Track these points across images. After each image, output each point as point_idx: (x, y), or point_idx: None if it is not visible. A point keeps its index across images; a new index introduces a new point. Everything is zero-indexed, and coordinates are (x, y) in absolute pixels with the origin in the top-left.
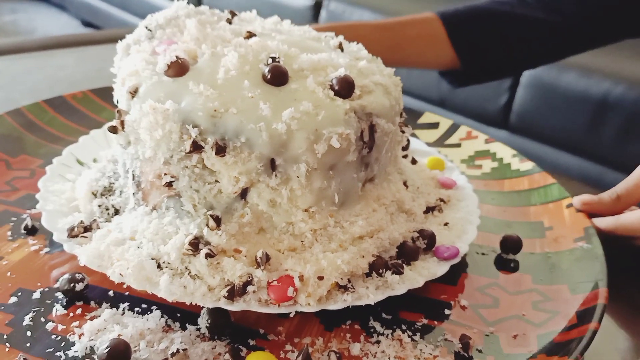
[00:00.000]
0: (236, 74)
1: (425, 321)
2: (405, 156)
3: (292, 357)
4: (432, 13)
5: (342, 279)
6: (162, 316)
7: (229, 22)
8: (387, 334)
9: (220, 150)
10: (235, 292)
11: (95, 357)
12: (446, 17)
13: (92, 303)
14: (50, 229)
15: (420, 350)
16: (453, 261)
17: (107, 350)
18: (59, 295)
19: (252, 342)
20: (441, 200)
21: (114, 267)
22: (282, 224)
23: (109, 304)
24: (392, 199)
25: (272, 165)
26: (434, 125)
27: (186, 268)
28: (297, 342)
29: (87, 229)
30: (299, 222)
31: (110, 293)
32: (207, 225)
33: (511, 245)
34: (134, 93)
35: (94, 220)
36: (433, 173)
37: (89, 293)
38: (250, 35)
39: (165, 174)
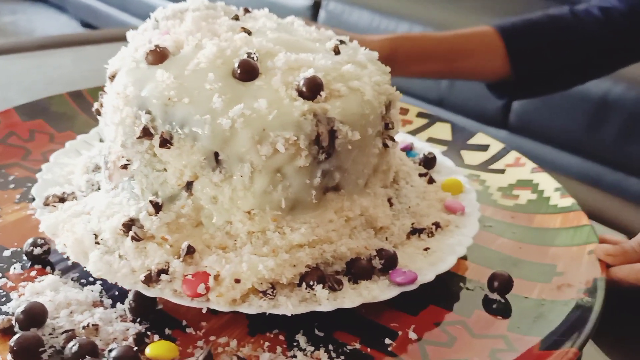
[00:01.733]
0: (205, 66)
1: (357, 346)
2: (425, 174)
3: (199, 353)
4: (489, 27)
5: (261, 284)
6: (101, 291)
7: (237, 18)
8: (308, 351)
9: (165, 142)
10: (151, 278)
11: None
12: (504, 29)
13: (48, 268)
14: (36, 196)
15: None
16: (406, 288)
17: (22, 311)
18: (25, 256)
19: (168, 331)
20: (436, 224)
21: (60, 238)
22: (221, 222)
23: (60, 271)
24: (360, 213)
25: (216, 160)
26: (484, 148)
27: (118, 247)
28: (213, 340)
29: (61, 199)
30: (237, 222)
31: (69, 262)
32: (147, 210)
33: (499, 284)
34: (112, 78)
35: (72, 192)
36: (442, 195)
37: (52, 258)
38: (244, 31)
39: (122, 157)
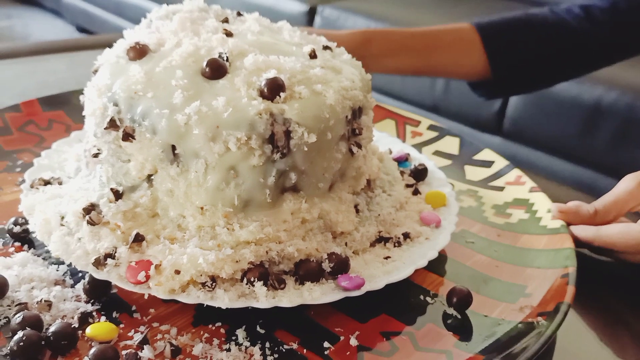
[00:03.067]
0: (176, 63)
1: (294, 346)
2: (411, 185)
3: (138, 337)
4: (467, 23)
5: (201, 276)
6: (66, 271)
7: (226, 21)
8: (244, 346)
9: (128, 136)
10: (100, 261)
11: None
12: (481, 26)
13: (26, 246)
14: (27, 179)
15: None
16: (351, 293)
17: None
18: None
19: (115, 314)
20: (405, 234)
21: (34, 217)
22: (175, 215)
23: (34, 249)
24: (319, 216)
25: (174, 154)
26: (488, 164)
27: (78, 230)
28: (156, 327)
29: (47, 183)
30: (189, 216)
31: None
32: (108, 197)
33: (457, 300)
34: (95, 72)
35: (58, 178)
36: (423, 207)
37: (32, 236)
38: (225, 32)
39: (94, 146)
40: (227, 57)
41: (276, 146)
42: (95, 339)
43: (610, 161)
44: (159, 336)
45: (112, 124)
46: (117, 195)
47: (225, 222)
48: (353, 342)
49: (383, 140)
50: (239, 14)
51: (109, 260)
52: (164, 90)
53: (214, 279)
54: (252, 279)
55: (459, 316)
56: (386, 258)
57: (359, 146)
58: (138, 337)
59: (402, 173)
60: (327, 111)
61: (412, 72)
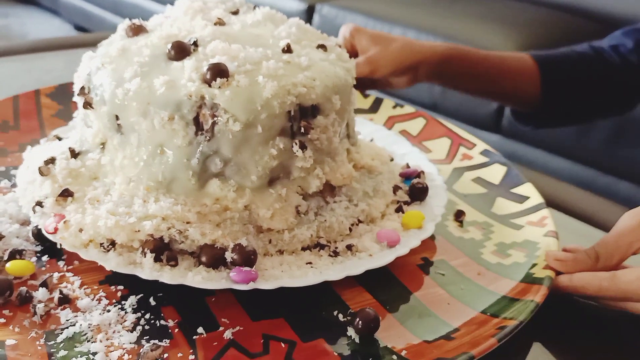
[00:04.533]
0: (151, 43)
1: (170, 324)
2: (405, 203)
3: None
4: (525, 53)
5: (102, 238)
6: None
7: (236, 12)
8: (124, 312)
9: (86, 104)
10: (34, 208)
11: None
12: (539, 57)
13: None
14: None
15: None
16: (238, 286)
17: None
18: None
19: (45, 258)
20: (349, 247)
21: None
22: (108, 181)
23: None
24: (244, 207)
25: (118, 125)
26: (521, 199)
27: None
28: (68, 276)
29: (59, 139)
30: (117, 184)
31: None
32: (66, 154)
33: (360, 321)
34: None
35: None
36: (394, 225)
37: None
38: (219, 21)
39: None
40: (194, 41)
41: (201, 129)
42: (11, 273)
43: (608, 159)
44: (64, 284)
45: (82, 91)
46: (73, 154)
47: (144, 194)
48: (227, 335)
49: (400, 150)
50: (255, 7)
51: (37, 208)
52: (125, 65)
53: (113, 242)
54: (144, 250)
55: (357, 340)
56: (308, 263)
57: (303, 147)
58: (43, 278)
59: (397, 189)
60: (260, 103)
61: (475, 93)
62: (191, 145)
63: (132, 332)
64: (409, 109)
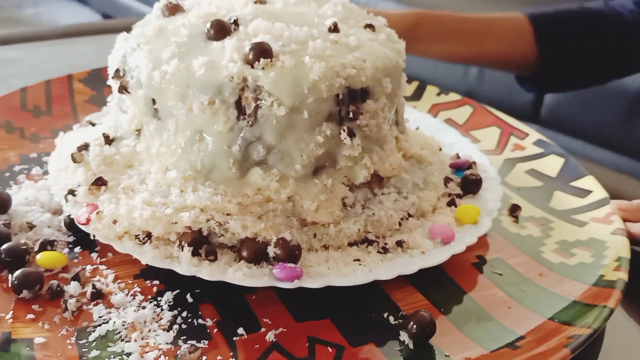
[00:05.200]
0: (189, 22)
1: (208, 323)
2: (458, 195)
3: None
4: (519, 13)
5: (138, 230)
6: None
7: None
8: (160, 309)
9: (122, 89)
10: (66, 197)
11: None
12: (534, 16)
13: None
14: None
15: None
16: (282, 284)
17: None
18: None
19: (78, 249)
20: (399, 243)
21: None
22: (144, 169)
23: None
24: (288, 199)
25: (155, 109)
26: (583, 193)
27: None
28: (102, 269)
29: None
30: (154, 173)
31: None
32: (100, 141)
33: (414, 325)
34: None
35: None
36: (447, 220)
37: None
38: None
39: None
40: (235, 20)
41: (243, 113)
42: (42, 265)
43: None
44: (97, 278)
45: (116, 74)
46: (108, 140)
47: (182, 183)
48: (270, 337)
49: (449, 139)
50: None
51: (70, 197)
52: (162, 46)
53: (149, 235)
54: (182, 243)
55: (410, 346)
56: (356, 260)
57: (352, 134)
58: (75, 271)
59: (448, 180)
60: (307, 86)
61: (460, 59)
62: (232, 131)
63: (168, 331)
64: (454, 96)
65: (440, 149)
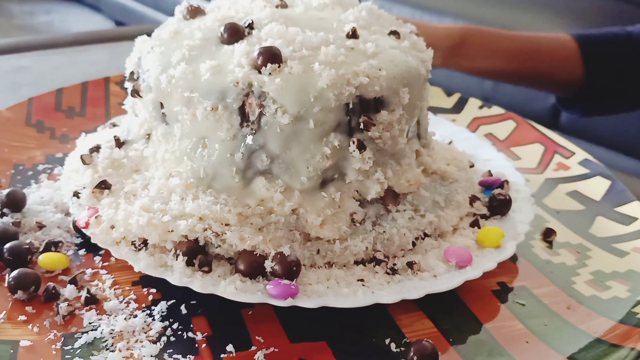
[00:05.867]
0: (204, 26)
1: (198, 337)
2: (482, 216)
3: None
4: (564, 33)
5: (134, 236)
6: None
7: None
8: (151, 319)
9: (134, 92)
10: (72, 199)
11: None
12: (580, 37)
13: None
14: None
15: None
16: (274, 301)
17: (6, 194)
18: None
19: (82, 252)
20: (410, 264)
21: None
22: (149, 175)
23: None
24: (291, 211)
25: (163, 114)
26: (627, 220)
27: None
28: (102, 273)
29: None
30: (157, 179)
31: None
32: (111, 144)
33: (415, 355)
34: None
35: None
36: (467, 242)
37: None
38: (281, 4)
39: None
40: (249, 24)
41: (247, 120)
42: (42, 266)
43: None
44: (96, 282)
45: (131, 77)
46: (118, 143)
47: (183, 191)
48: (259, 356)
49: (484, 155)
50: None
51: (74, 199)
52: (174, 49)
53: (146, 241)
54: (177, 252)
55: None
56: (359, 280)
57: (362, 147)
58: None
59: (474, 199)
60: (314, 94)
61: (505, 77)
62: (235, 139)
63: (155, 343)
64: (497, 109)
65: (472, 166)
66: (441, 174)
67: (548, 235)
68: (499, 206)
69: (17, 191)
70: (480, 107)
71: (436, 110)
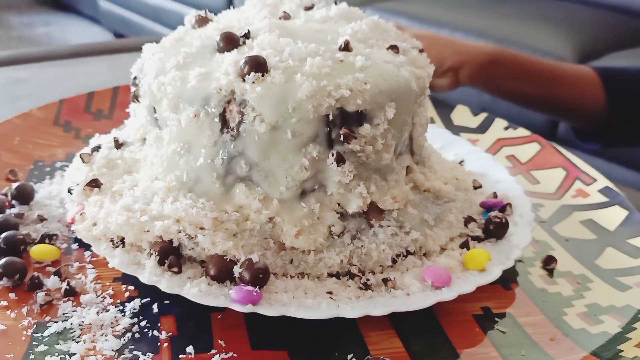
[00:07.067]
0: (205, 35)
1: (162, 336)
2: (475, 238)
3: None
4: (586, 66)
5: (113, 234)
6: None
7: (310, 8)
8: (122, 314)
9: (134, 97)
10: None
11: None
12: (602, 70)
13: None
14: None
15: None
16: (237, 306)
17: (16, 187)
18: None
19: (74, 246)
20: (385, 280)
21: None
22: (139, 177)
23: None
24: (268, 220)
25: (155, 119)
26: (639, 252)
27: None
28: (88, 268)
29: None
30: (143, 180)
31: None
32: (110, 145)
33: None
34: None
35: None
36: (451, 264)
37: None
38: (284, 15)
39: None
40: (245, 33)
41: (227, 126)
42: (34, 257)
43: None
44: (80, 276)
45: (134, 82)
46: (117, 144)
47: (164, 193)
48: (216, 359)
49: (495, 177)
50: (335, 3)
51: (67, 195)
52: (171, 56)
53: (124, 239)
54: (151, 251)
55: None
56: (328, 293)
57: (340, 160)
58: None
59: (469, 220)
60: (292, 105)
61: (530, 102)
62: (216, 145)
63: (119, 338)
64: (523, 131)
65: (479, 187)
66: (435, 192)
67: (548, 262)
68: (495, 229)
69: (26, 185)
70: (506, 128)
71: (460, 129)
